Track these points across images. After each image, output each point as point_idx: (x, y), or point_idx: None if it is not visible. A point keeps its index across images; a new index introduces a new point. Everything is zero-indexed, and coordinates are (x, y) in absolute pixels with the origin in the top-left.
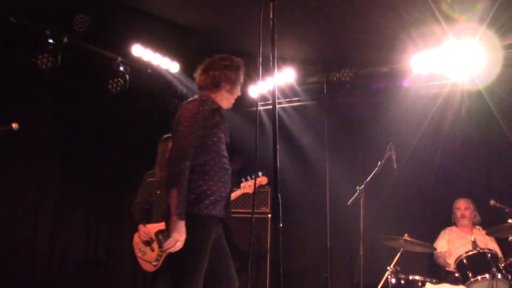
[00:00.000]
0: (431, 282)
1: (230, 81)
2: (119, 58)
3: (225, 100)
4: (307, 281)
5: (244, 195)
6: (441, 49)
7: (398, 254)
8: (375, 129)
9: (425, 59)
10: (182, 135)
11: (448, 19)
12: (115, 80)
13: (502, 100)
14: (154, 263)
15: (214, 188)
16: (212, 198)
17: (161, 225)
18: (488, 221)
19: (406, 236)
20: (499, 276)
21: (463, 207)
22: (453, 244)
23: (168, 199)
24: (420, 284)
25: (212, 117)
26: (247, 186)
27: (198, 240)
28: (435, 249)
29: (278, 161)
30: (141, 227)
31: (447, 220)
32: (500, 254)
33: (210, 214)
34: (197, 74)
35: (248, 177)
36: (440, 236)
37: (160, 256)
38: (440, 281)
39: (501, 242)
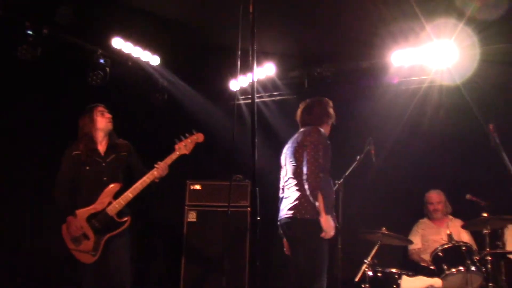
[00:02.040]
0: (407, 275)
1: None
2: (100, 51)
3: None
4: (285, 275)
5: (222, 188)
6: (420, 45)
7: (376, 247)
8: (354, 124)
9: (405, 54)
10: None
11: (427, 15)
12: (95, 72)
13: (479, 95)
14: (93, 253)
15: None
16: None
17: (91, 209)
18: (465, 214)
19: (383, 230)
20: (473, 268)
21: (435, 201)
22: (428, 238)
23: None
24: (396, 276)
25: None
26: (182, 147)
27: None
28: (412, 242)
29: (256, 154)
30: (71, 220)
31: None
32: (474, 246)
33: None
34: None
35: (182, 137)
36: (413, 231)
37: (98, 244)
38: (416, 273)
39: (476, 235)
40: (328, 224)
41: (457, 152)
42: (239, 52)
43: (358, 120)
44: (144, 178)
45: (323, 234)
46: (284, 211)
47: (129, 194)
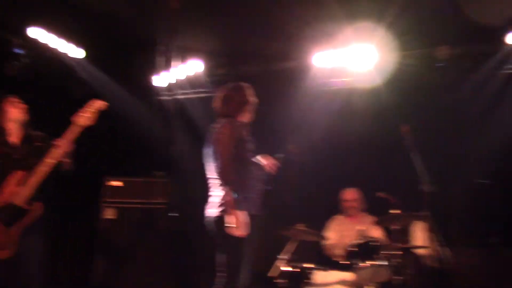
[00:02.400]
0: (321, 270)
1: None
2: (17, 40)
3: None
4: (207, 271)
5: (142, 185)
6: (341, 48)
7: (292, 243)
8: (277, 123)
9: (326, 56)
10: None
11: (348, 18)
12: (13, 62)
13: (395, 98)
14: (6, 247)
15: None
16: None
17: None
18: (378, 211)
19: (300, 226)
20: (382, 263)
21: (350, 198)
22: (342, 234)
23: None
24: (311, 272)
25: None
26: (83, 118)
27: None
28: (327, 238)
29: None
30: None
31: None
32: (385, 242)
33: None
34: None
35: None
36: (329, 227)
37: (11, 236)
38: (329, 268)
39: (387, 230)
40: (236, 221)
41: (373, 152)
42: (164, 48)
43: (280, 119)
44: (46, 160)
45: (232, 231)
46: (210, 209)
47: (33, 179)
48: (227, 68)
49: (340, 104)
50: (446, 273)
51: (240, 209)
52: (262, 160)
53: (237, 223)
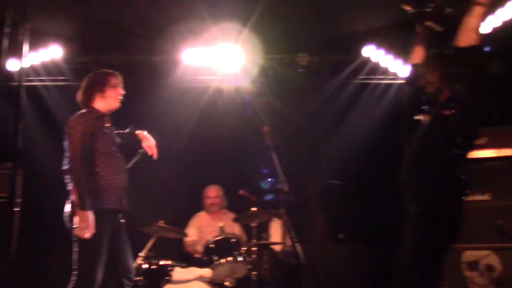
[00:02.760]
0: (181, 266)
1: None
2: None
3: None
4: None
5: None
6: (209, 46)
7: (152, 240)
8: (140, 117)
9: (195, 53)
10: None
11: (214, 18)
12: None
13: (258, 99)
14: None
15: None
16: None
17: None
18: (239, 208)
19: (161, 223)
20: (240, 258)
21: (212, 195)
22: (203, 231)
23: None
24: (170, 268)
25: None
26: None
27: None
28: (187, 235)
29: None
30: None
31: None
32: (244, 238)
33: None
34: None
35: None
36: (190, 224)
37: None
38: (188, 265)
39: (246, 227)
40: (81, 222)
41: (235, 150)
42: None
43: (143, 114)
44: None
45: (76, 231)
46: (67, 205)
47: None
48: (88, 56)
49: (206, 103)
50: (299, 267)
51: (89, 208)
52: (144, 141)
53: (82, 225)
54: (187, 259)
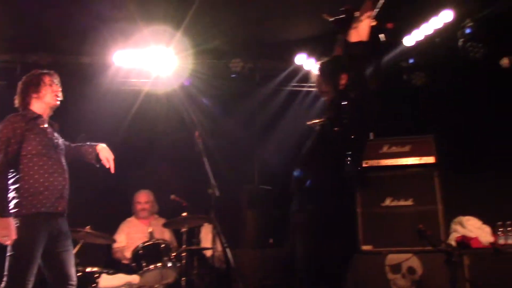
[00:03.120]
0: (108, 273)
1: None
2: None
3: None
4: None
5: None
6: (141, 48)
7: (78, 246)
8: (70, 119)
9: (126, 55)
10: None
11: (147, 20)
12: None
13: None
14: None
15: None
16: None
17: None
18: (169, 213)
19: (87, 228)
20: (169, 264)
21: (143, 200)
22: (132, 236)
23: None
24: (96, 275)
25: None
26: None
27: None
28: (115, 241)
29: None
30: None
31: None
32: (174, 244)
33: None
34: None
35: None
36: (119, 229)
37: None
38: (116, 272)
39: (177, 233)
40: (0, 229)
41: (167, 155)
42: None
43: (73, 117)
44: None
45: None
46: None
47: None
48: (13, 55)
49: (138, 106)
50: (229, 272)
51: (9, 214)
52: (100, 154)
53: (2, 232)
54: (115, 266)
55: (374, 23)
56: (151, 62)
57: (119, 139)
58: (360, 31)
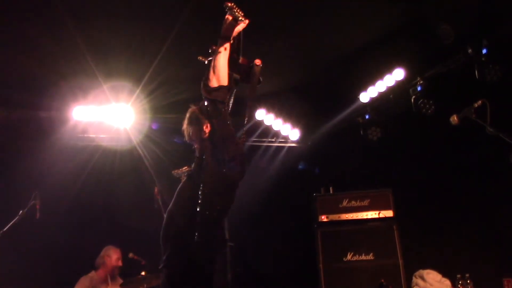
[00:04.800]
0: None
1: None
2: None
3: None
4: None
5: None
6: (100, 105)
7: None
8: (22, 176)
9: (86, 110)
10: None
11: (106, 76)
12: None
13: (151, 158)
14: None
15: None
16: None
17: None
18: (126, 272)
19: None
20: None
21: (116, 257)
22: None
23: None
24: None
25: None
26: None
27: None
28: None
29: None
30: None
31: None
32: None
33: None
34: None
35: None
36: (80, 284)
37: None
38: None
39: None
40: None
41: (127, 211)
42: None
43: (27, 172)
44: None
45: None
46: None
47: None
48: None
49: (95, 161)
50: None
51: None
52: None
53: None
54: None
55: (241, 61)
56: (110, 117)
57: (74, 195)
58: (221, 74)
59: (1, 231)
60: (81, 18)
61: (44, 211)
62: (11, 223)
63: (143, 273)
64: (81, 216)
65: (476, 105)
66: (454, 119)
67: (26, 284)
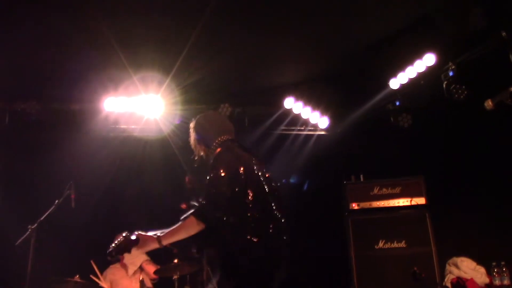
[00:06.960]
0: None
1: None
2: None
3: None
4: None
5: None
6: (131, 95)
7: None
8: (57, 166)
9: (117, 102)
10: None
11: (136, 68)
12: None
13: (181, 146)
14: None
15: None
16: None
17: None
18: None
19: (76, 278)
20: None
21: None
22: (118, 282)
23: None
24: None
25: None
26: None
27: None
28: None
29: None
30: None
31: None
32: None
33: None
34: None
35: None
36: (103, 276)
37: None
38: None
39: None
40: None
41: (158, 200)
42: None
43: (62, 163)
44: None
45: None
46: None
47: None
48: (1, 103)
49: (127, 152)
50: None
51: None
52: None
53: None
54: None
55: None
56: (140, 108)
57: (107, 184)
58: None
59: (39, 220)
60: (110, 11)
61: (79, 201)
62: (47, 212)
63: (175, 260)
64: (113, 205)
65: None
66: (488, 103)
67: (63, 271)
